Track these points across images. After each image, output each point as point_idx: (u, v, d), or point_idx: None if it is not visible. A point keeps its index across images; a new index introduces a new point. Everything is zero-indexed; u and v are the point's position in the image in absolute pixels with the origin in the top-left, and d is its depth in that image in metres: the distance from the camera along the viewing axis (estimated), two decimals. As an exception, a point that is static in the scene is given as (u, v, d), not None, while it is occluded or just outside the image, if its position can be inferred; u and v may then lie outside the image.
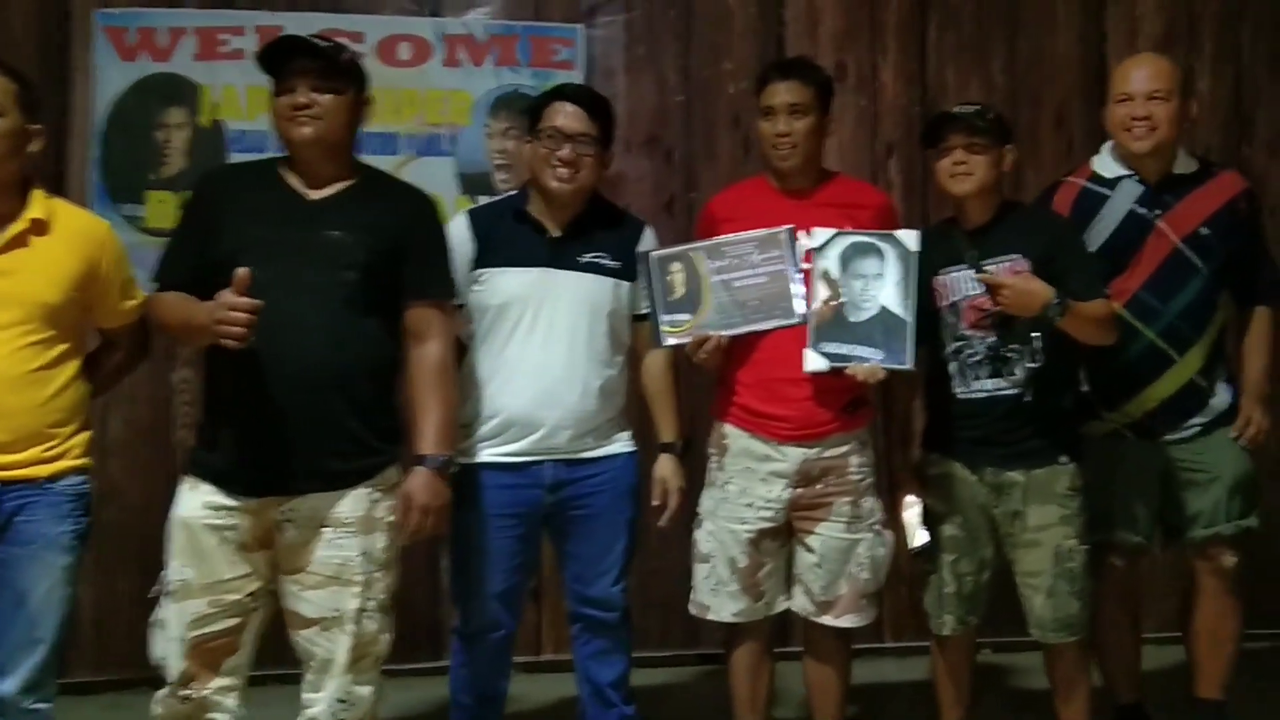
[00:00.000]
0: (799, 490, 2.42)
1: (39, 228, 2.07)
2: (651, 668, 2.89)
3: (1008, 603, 2.53)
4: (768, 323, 2.38)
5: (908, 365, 2.34)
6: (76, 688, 2.16)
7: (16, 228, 2.05)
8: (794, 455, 2.41)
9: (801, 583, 2.47)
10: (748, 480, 2.44)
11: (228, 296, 1.94)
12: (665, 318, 2.40)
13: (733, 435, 2.47)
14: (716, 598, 2.47)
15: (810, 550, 2.45)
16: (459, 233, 2.43)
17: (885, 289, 2.34)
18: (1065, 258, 2.42)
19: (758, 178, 2.57)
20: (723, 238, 2.41)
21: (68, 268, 2.09)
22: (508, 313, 2.39)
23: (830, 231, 2.37)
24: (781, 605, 2.51)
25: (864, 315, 2.35)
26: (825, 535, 2.43)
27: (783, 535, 2.47)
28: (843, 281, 2.36)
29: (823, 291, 2.36)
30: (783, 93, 2.43)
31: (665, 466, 2.50)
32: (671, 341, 2.41)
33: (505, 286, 2.40)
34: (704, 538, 2.49)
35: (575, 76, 3.30)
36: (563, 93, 2.47)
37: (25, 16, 3.19)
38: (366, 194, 2.18)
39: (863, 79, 3.50)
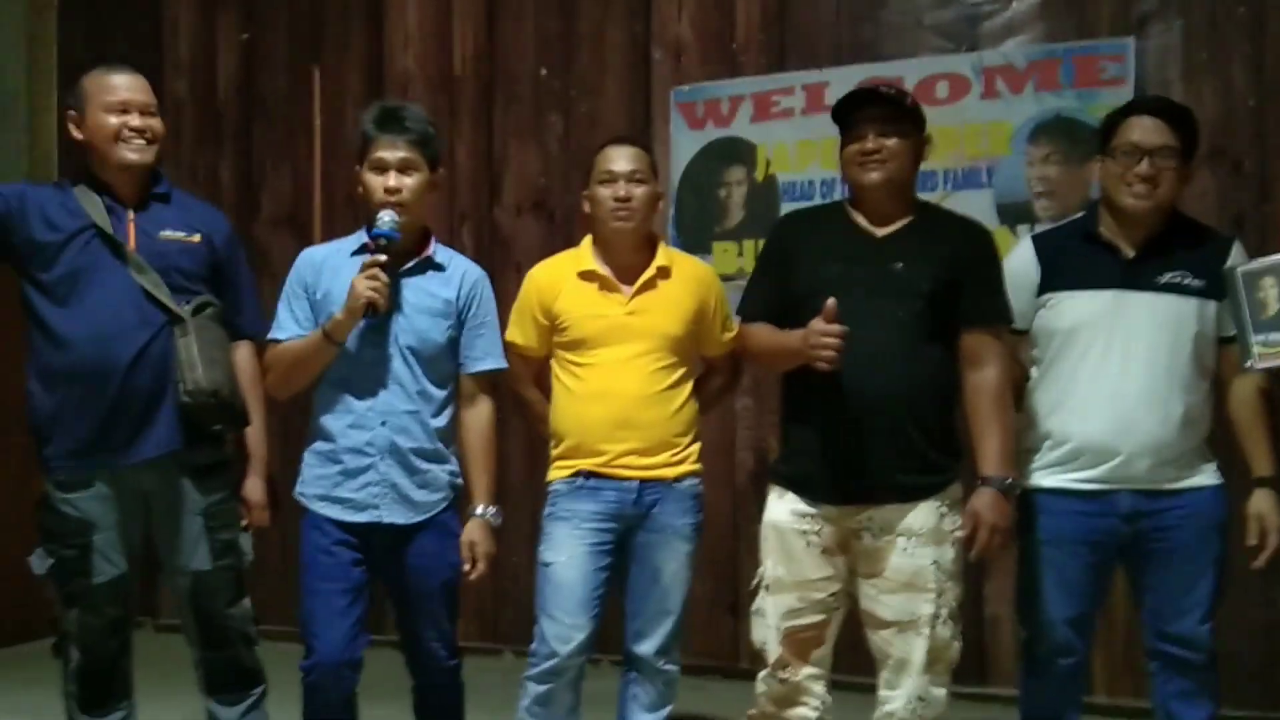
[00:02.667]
0: None
1: (664, 273, 2.47)
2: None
3: None
4: None
5: None
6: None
7: (648, 274, 2.46)
8: None
9: None
10: None
11: (819, 324, 2.15)
12: (1257, 337, 2.21)
13: None
14: None
15: None
16: (1024, 257, 2.44)
17: None
18: None
19: None
20: None
21: (686, 306, 2.47)
22: (1078, 337, 2.34)
23: None
24: None
25: None
26: None
27: None
28: None
29: None
30: None
31: (1262, 502, 2.30)
32: (1263, 365, 2.21)
33: (1075, 310, 2.35)
34: None
35: (1124, 93, 3.13)
36: (1140, 106, 2.40)
37: (616, 103, 3.81)
38: (927, 228, 2.31)
39: None
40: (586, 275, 2.47)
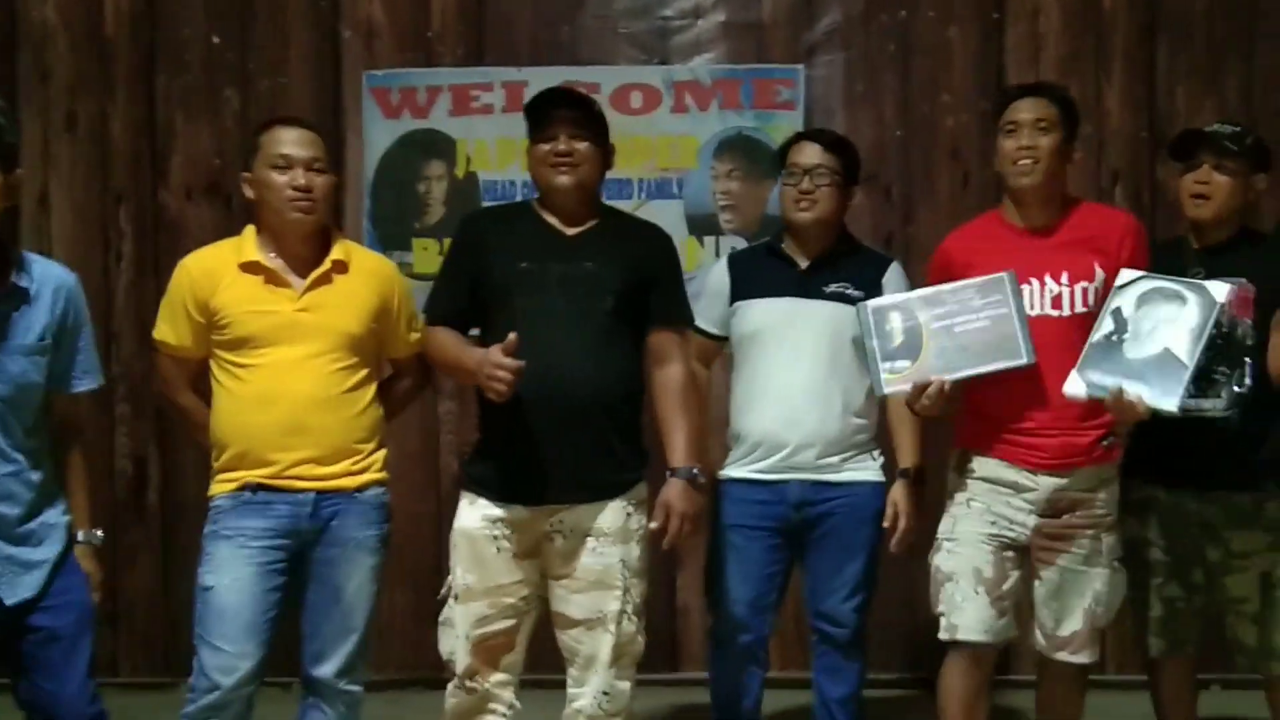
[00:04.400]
0: (1045, 519, 2.43)
1: (340, 267, 2.34)
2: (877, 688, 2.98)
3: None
4: (992, 365, 2.36)
5: (1174, 409, 2.23)
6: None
7: (323, 267, 2.32)
8: (1045, 484, 2.41)
9: (1036, 616, 2.48)
10: (992, 500, 2.44)
11: (496, 355, 2.16)
12: (884, 364, 2.40)
13: (980, 461, 2.47)
14: (963, 615, 2.42)
15: (1046, 581, 2.45)
16: (719, 273, 2.70)
17: (1176, 333, 2.25)
18: None
19: (993, 213, 2.53)
20: (940, 286, 2.42)
21: (365, 302, 2.35)
22: (759, 340, 2.61)
23: (1136, 273, 2.32)
24: (1013, 632, 2.49)
25: (1143, 353, 2.26)
26: (1064, 567, 2.44)
27: (1022, 556, 2.46)
28: (1132, 320, 2.29)
29: (1107, 325, 2.31)
30: (1027, 108, 2.42)
31: (898, 491, 2.57)
32: (890, 390, 2.42)
33: (757, 316, 2.62)
34: (944, 558, 2.47)
35: (796, 117, 3.44)
36: (804, 134, 2.73)
37: (302, 81, 3.56)
38: (615, 230, 2.42)
39: (1087, 106, 3.44)
40: (250, 267, 2.30)
